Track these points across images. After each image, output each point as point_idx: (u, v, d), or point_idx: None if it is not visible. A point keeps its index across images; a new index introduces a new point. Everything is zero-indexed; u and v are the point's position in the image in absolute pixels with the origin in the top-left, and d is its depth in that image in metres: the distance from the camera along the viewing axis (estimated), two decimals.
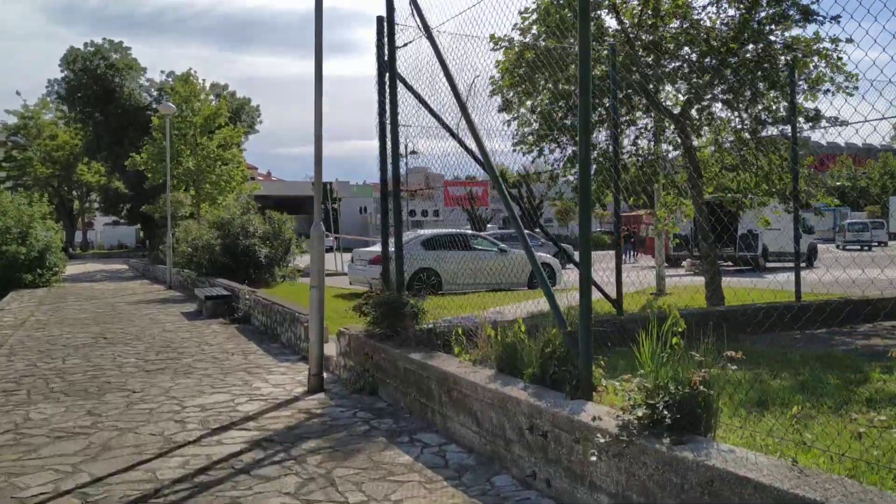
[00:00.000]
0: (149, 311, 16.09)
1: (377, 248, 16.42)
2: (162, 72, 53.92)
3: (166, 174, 24.49)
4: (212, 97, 37.23)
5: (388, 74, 7.69)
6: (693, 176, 11.90)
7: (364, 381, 7.25)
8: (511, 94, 13.44)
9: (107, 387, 7.89)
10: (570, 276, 19.93)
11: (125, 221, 59.22)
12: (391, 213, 8.11)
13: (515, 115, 14.08)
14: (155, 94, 44.00)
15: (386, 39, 7.63)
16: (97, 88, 42.54)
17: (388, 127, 7.72)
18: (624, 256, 36.54)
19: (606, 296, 9.33)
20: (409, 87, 7.65)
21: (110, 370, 8.91)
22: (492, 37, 12.85)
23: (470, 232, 17.28)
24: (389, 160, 7.81)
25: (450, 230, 18.52)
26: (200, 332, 12.41)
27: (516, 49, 12.73)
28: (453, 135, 7.65)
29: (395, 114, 7.64)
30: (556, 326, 4.95)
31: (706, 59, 11.83)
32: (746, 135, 11.83)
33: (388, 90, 7.69)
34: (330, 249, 40.63)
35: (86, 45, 44.12)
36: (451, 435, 5.51)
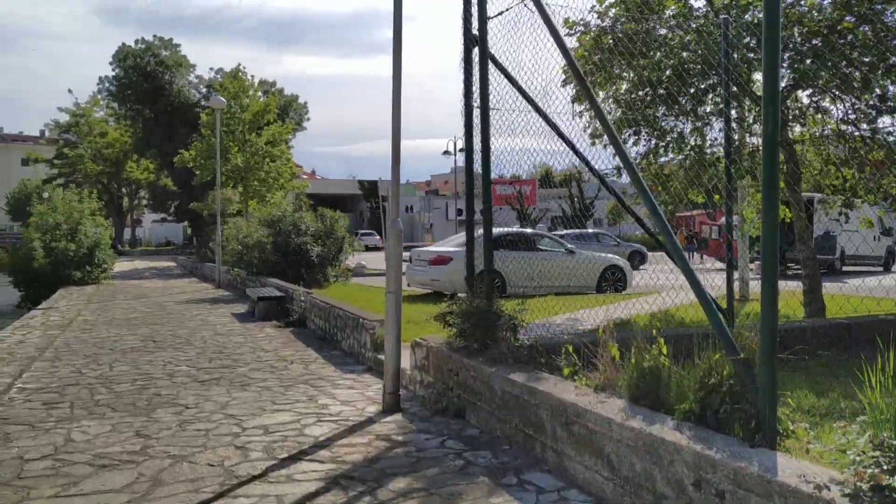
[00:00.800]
0: (198, 311, 15.40)
1: (438, 247, 15.51)
2: (211, 69, 53.75)
3: (216, 170, 23.92)
4: (260, 94, 36.72)
5: (476, 49, 6.74)
6: (794, 172, 10.74)
7: (447, 402, 6.30)
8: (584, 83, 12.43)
9: (157, 400, 7.08)
10: (641, 278, 18.75)
11: (173, 218, 59.45)
12: (478, 212, 7.09)
13: (588, 106, 13.06)
14: (204, 90, 43.77)
15: (475, 8, 6.66)
16: (147, 85, 42.47)
17: (478, 113, 6.74)
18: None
19: (716, 305, 8.23)
20: (500, 67, 6.69)
21: (160, 379, 8.12)
22: (566, 21, 11.85)
23: (536, 231, 16.25)
24: (479, 151, 6.84)
25: (515, 229, 17.51)
26: (254, 336, 11.61)
27: (593, 33, 11.72)
28: (551, 123, 6.69)
29: (485, 96, 6.66)
30: (718, 351, 3.92)
31: (811, 41, 10.65)
32: (859, 126, 10.59)
33: (477, 69, 6.72)
34: (377, 248, 39.91)
35: (137, 42, 44.13)
36: (570, 478, 4.52)
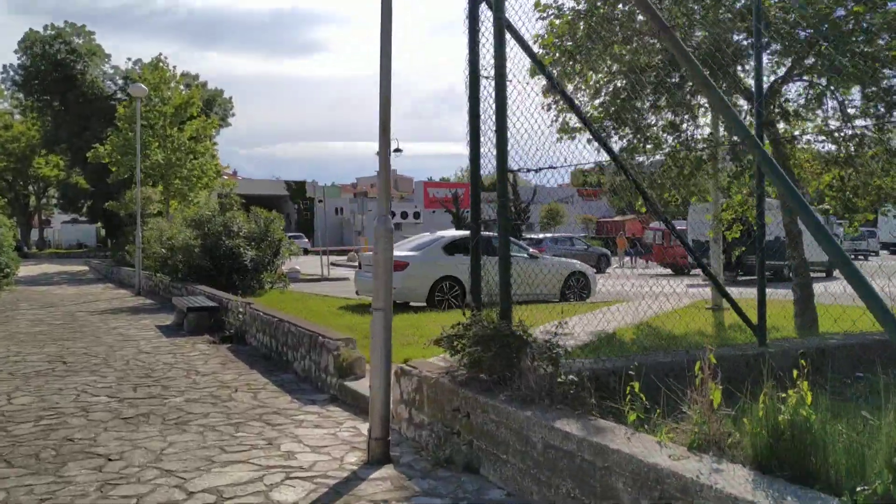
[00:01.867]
0: (117, 323, 13.55)
1: (396, 252, 14.16)
2: (128, 59, 50.69)
3: (136, 166, 21.81)
4: (182, 86, 34.43)
5: (484, 4, 5.44)
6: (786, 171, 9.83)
7: (452, 450, 4.97)
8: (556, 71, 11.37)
9: (68, 448, 5.49)
10: (603, 285, 17.79)
11: (86, 219, 55.94)
12: (490, 209, 5.82)
13: (557, 97, 11.97)
14: (120, 82, 41.03)
15: None
16: (57, 75, 39.50)
17: (493, 90, 5.44)
18: (624, 262, 34.57)
19: (745, 319, 7.18)
20: (514, 32, 5.41)
21: (73, 416, 6.50)
22: (537, 3, 10.72)
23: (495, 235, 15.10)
24: (493, 138, 5.56)
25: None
26: (186, 354, 9.97)
27: (568, 18, 10.62)
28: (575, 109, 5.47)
29: (501, 65, 5.35)
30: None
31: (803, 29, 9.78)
32: (864, 121, 9.78)
33: (492, 31, 5.41)
34: (307, 252, 38.08)
35: (45, 28, 41.03)
36: None
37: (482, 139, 5.73)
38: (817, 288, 10.43)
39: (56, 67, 39.45)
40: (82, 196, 48.48)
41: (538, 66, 6.04)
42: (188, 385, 7.89)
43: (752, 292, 16.59)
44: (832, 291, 8.31)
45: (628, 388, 3.92)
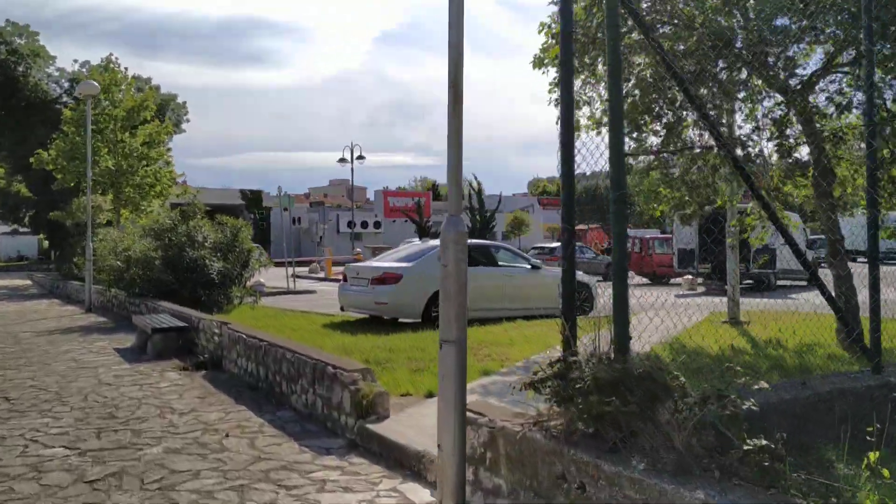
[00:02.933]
0: (69, 345, 11.88)
1: (382, 262, 12.74)
2: (75, 61, 48.27)
3: (87, 171, 19.95)
4: (133, 90, 32.43)
5: None
6: (822, 175, 8.79)
7: None
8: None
9: None
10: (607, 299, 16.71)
11: (28, 230, 52.96)
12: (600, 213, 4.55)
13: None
14: (66, 85, 38.72)
15: None
16: None
17: (607, 61, 4.18)
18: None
19: (858, 338, 6.02)
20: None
21: (21, 478, 5.01)
22: None
23: (495, 243, 13.83)
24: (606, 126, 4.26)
25: (473, 241, 14.99)
26: (155, 385, 8.45)
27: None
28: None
29: (615, 24, 4.05)
30: None
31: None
32: None
33: None
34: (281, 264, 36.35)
35: None
36: None
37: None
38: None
39: None
40: (24, 205, 45.73)
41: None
42: (165, 428, 6.41)
43: (757, 303, 15.59)
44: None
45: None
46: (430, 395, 6.89)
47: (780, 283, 23.36)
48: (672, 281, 28.32)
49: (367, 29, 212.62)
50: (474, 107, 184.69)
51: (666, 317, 12.12)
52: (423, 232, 44.45)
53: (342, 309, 12.88)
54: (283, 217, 28.55)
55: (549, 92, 11.32)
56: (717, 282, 22.58)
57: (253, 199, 59.57)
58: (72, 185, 29.21)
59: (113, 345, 11.98)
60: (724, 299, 13.89)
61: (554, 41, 10.90)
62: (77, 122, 28.18)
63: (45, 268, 40.94)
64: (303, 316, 13.73)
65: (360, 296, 12.10)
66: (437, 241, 13.79)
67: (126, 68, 30.48)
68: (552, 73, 10.91)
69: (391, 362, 8.51)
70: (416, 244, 13.45)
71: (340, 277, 12.98)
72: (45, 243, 60.03)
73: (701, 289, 23.77)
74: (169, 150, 30.77)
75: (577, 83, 11.44)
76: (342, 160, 41.71)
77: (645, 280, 28.44)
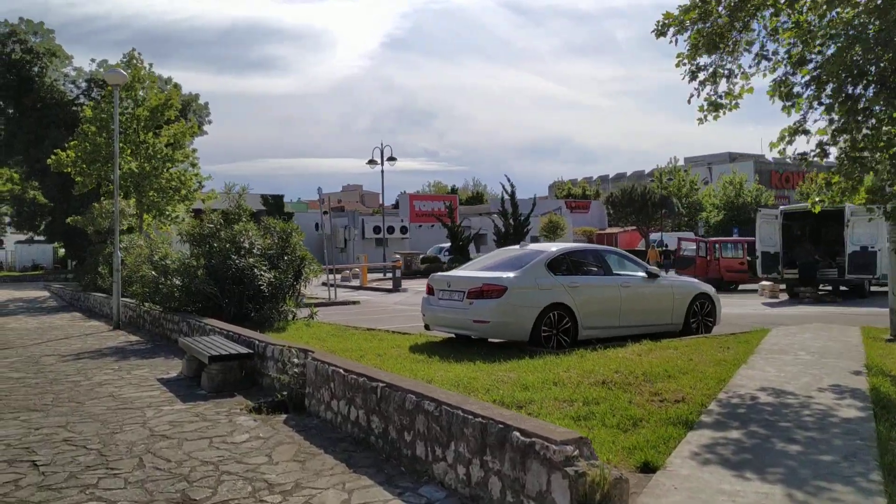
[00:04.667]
0: (103, 375, 9.82)
1: (480, 272, 10.61)
2: (92, 60, 46.31)
3: (114, 170, 17.87)
4: (156, 88, 30.51)
5: None
6: None
7: None
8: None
9: None
10: (730, 310, 14.48)
11: (43, 238, 51.11)
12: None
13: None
14: (84, 85, 36.93)
15: None
16: (11, 77, 35.29)
17: None
18: None
19: None
20: None
21: None
22: None
23: (605, 247, 11.68)
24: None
25: (580, 244, 12.82)
26: (230, 440, 6.35)
27: None
28: None
29: None
30: None
31: None
32: None
33: None
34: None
35: None
36: None
37: None
38: None
39: (10, 69, 35.21)
40: (40, 212, 43.90)
41: None
42: None
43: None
44: None
45: None
46: (646, 467, 4.77)
47: (876, 288, 21.01)
48: (741, 287, 26.06)
49: (372, 35, 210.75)
50: (478, 113, 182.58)
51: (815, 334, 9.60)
52: (456, 237, 42.32)
53: (427, 328, 10.74)
54: (325, 221, 26.36)
55: (678, 65, 9.32)
56: (804, 288, 20.32)
57: (274, 203, 57.62)
58: (91, 188, 27.36)
59: (155, 373, 9.92)
60: (857, 310, 11.68)
61: None
62: (99, 121, 26.31)
63: (62, 278, 39.12)
64: (373, 335, 11.62)
65: (452, 312, 9.96)
66: (542, 246, 11.67)
67: (151, 64, 28.45)
68: (681, 44, 8.92)
69: (535, 405, 6.41)
70: (514, 249, 11.32)
71: (425, 289, 10.86)
72: (62, 252, 58.34)
73: (783, 296, 21.48)
74: (194, 151, 28.76)
75: (707, 59, 9.41)
76: (371, 162, 39.66)
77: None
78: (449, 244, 47.44)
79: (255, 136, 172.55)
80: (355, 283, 31.59)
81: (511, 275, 9.84)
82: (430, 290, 10.63)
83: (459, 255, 41.67)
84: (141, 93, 27.67)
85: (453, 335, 10.72)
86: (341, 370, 6.69)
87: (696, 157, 79.35)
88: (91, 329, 16.13)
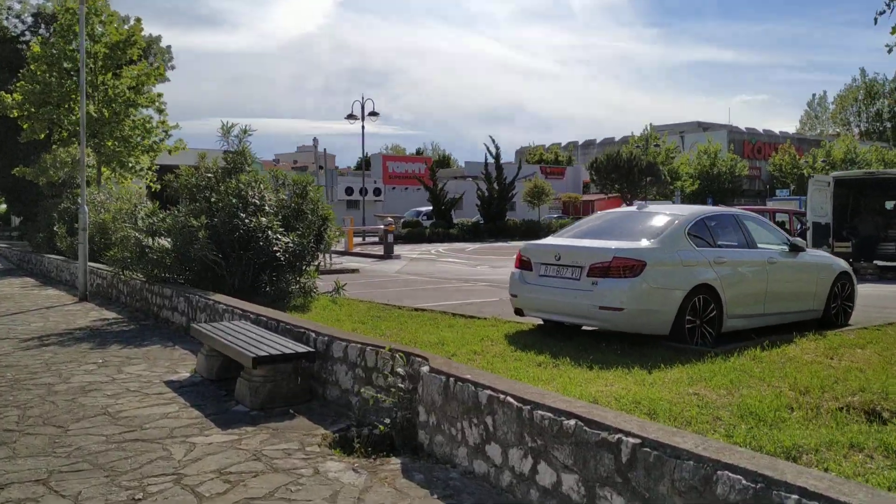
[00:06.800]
0: (85, 375, 7.07)
1: (603, 241, 8.05)
2: None
3: (81, 107, 14.64)
4: (115, 23, 26.91)
5: None
6: None
7: None
8: None
9: None
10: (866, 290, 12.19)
11: None
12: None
13: None
14: (30, 20, 32.89)
15: None
16: None
17: None
18: None
19: None
20: None
21: None
22: None
23: (743, 212, 9.21)
24: None
25: (715, 208, 10.32)
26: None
27: None
28: None
29: None
30: None
31: None
32: None
33: None
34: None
35: None
36: None
37: None
38: None
39: None
40: None
41: None
42: None
43: None
44: None
45: None
46: None
47: None
48: None
49: None
50: (432, 77, 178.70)
51: None
52: (438, 201, 39.65)
53: (518, 313, 8.17)
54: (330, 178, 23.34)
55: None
56: (866, 264, 18.29)
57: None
58: (42, 136, 23.91)
59: (157, 370, 7.23)
60: None
61: None
62: (49, 58, 22.79)
63: (6, 236, 35.41)
64: (433, 319, 9.00)
65: (564, 295, 7.42)
66: (667, 208, 9.12)
67: None
68: None
69: (808, 453, 4.01)
70: (626, 213, 8.80)
71: (515, 262, 8.26)
72: (3, 207, 53.86)
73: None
74: (160, 95, 25.35)
75: None
76: (351, 116, 36.58)
77: None
78: (426, 208, 44.79)
79: (205, 93, 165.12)
80: (339, 247, 28.77)
81: (648, 244, 7.34)
82: (526, 264, 8.03)
83: (442, 219, 39.12)
84: (98, 27, 24.07)
85: (547, 322, 8.19)
86: (507, 397, 4.15)
87: (665, 126, 77.55)
88: (51, 300, 13.19)
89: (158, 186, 24.96)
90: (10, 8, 32.95)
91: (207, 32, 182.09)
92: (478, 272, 18.86)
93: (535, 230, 39.51)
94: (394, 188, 53.35)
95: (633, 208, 8.67)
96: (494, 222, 39.49)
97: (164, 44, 37.16)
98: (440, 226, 38.02)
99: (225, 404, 6.03)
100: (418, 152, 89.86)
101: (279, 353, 5.87)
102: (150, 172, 26.21)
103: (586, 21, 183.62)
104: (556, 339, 7.57)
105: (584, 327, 7.92)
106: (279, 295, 10.31)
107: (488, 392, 4.30)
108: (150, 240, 10.52)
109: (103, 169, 23.85)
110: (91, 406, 5.93)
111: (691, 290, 7.28)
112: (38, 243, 20.84)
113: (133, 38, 24.19)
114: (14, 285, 16.04)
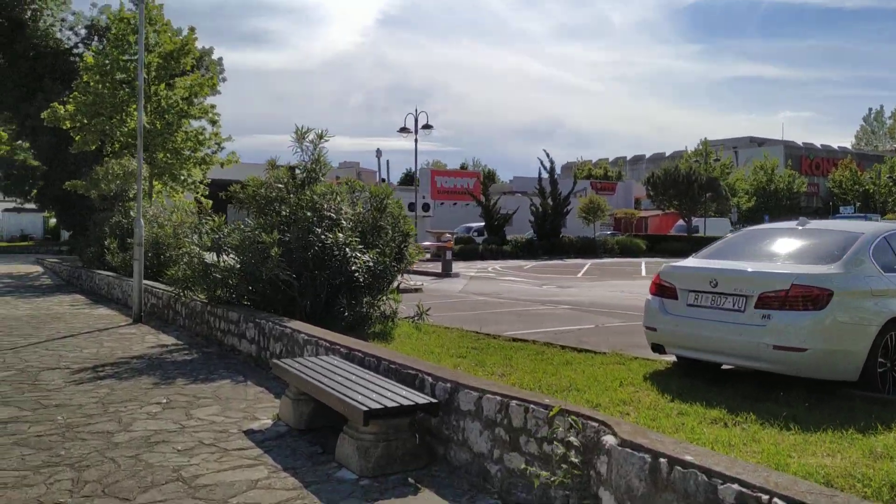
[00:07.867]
0: (149, 419, 5.92)
1: (766, 265, 6.61)
2: (93, 5, 41.75)
3: (139, 116, 13.75)
4: (169, 31, 26.31)
5: None
6: None
7: None
8: None
9: None
10: None
11: (35, 205, 46.67)
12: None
13: None
14: (83, 32, 32.57)
15: None
16: (0, 21, 30.90)
17: None
18: None
19: None
20: None
21: None
22: None
23: None
24: None
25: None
26: None
27: None
28: None
29: None
30: None
31: None
32: None
33: None
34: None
35: None
36: None
37: None
38: None
39: None
40: (31, 176, 39.43)
41: None
42: None
43: None
44: None
45: None
46: None
47: None
48: None
49: (366, 11, 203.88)
50: (471, 93, 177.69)
51: None
52: (491, 216, 38.37)
53: (658, 349, 6.84)
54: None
55: None
56: None
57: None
58: (94, 147, 23.28)
59: (233, 416, 6.04)
60: None
61: None
62: (102, 69, 22.13)
63: (55, 250, 35.06)
64: (539, 353, 7.70)
65: (725, 330, 6.05)
66: (835, 224, 7.60)
67: (161, 5, 24.18)
68: None
69: None
70: (782, 228, 7.39)
71: (650, 288, 6.94)
72: (52, 221, 54.06)
73: None
74: (213, 107, 24.59)
75: None
76: (403, 129, 35.58)
77: None
78: (476, 224, 43.58)
79: (249, 111, 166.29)
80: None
81: (830, 269, 5.96)
82: (668, 291, 6.70)
83: (495, 235, 37.82)
84: (153, 36, 23.44)
85: (681, 358, 6.82)
86: (774, 499, 2.83)
87: (717, 141, 75.28)
88: (103, 321, 12.19)
89: (211, 202, 24.13)
90: (63, 20, 32.67)
91: (250, 50, 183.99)
92: (547, 292, 17.51)
93: (591, 247, 38.00)
94: (442, 203, 52.28)
95: (792, 224, 7.25)
96: (549, 239, 38.01)
97: (214, 56, 36.67)
98: (493, 242, 36.73)
99: (324, 467, 4.80)
100: (462, 167, 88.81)
101: (396, 404, 4.62)
102: (202, 186, 25.44)
103: (625, 38, 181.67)
104: (706, 381, 6.21)
105: (723, 366, 6.55)
106: (358, 320, 9.12)
107: (735, 487, 2.98)
108: (215, 257, 9.41)
109: (155, 182, 23.09)
110: (160, 467, 4.76)
111: (886, 324, 5.87)
112: (88, 258, 20.04)
113: (187, 48, 23.51)
114: (64, 303, 15.15)
